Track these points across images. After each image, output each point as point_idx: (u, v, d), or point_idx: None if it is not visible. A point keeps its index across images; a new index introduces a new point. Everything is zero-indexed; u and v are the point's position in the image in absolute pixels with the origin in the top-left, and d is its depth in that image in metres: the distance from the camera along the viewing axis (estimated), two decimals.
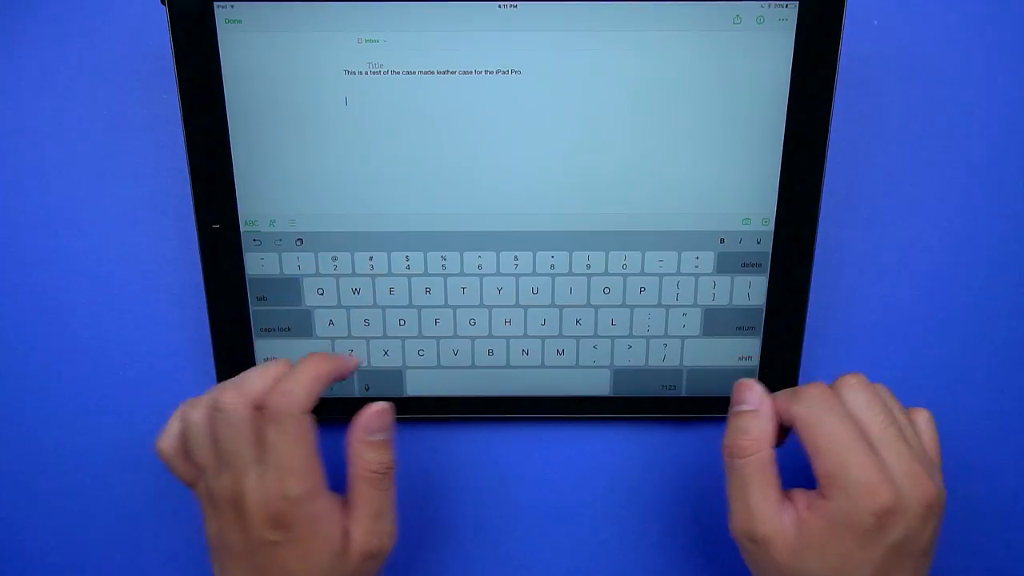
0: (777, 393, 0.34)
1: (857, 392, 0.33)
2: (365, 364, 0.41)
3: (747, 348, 0.41)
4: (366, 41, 0.36)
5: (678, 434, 0.43)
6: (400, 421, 0.43)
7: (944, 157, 0.41)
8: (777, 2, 0.35)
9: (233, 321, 0.40)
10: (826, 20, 0.35)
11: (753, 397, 0.34)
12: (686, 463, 0.43)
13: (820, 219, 0.38)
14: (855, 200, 0.41)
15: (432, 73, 0.36)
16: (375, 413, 0.35)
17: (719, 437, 0.42)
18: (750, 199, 0.38)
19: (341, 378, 0.36)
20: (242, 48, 0.36)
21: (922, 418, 0.34)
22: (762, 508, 0.32)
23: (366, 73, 0.36)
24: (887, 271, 0.42)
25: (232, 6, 0.35)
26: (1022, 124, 0.41)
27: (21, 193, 0.40)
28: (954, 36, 0.40)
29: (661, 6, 0.35)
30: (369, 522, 0.34)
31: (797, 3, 0.35)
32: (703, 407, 0.42)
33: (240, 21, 0.35)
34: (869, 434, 0.32)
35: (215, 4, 0.35)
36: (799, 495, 0.33)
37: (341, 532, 0.34)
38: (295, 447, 0.32)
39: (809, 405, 0.33)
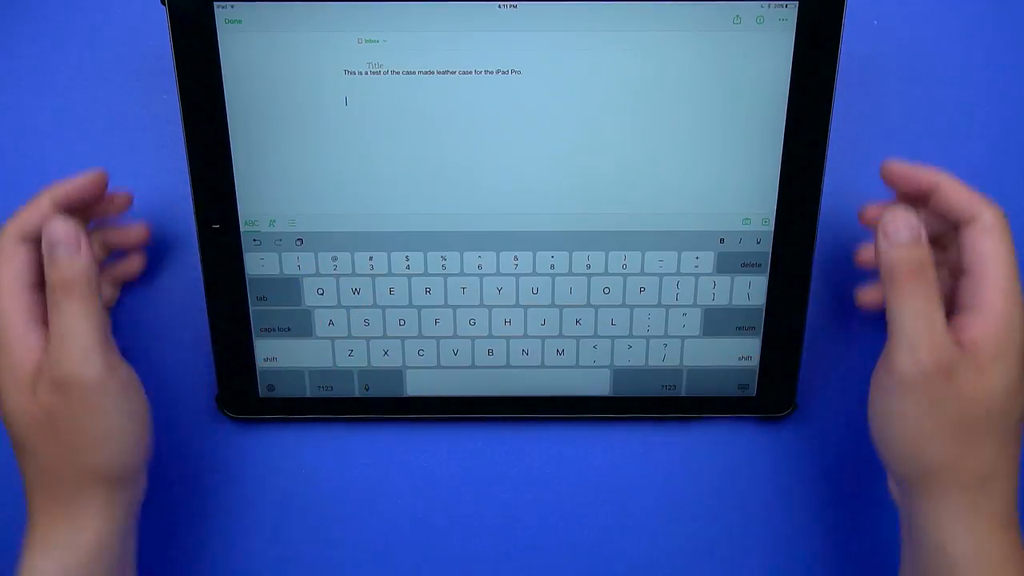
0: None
1: None
2: (365, 364, 0.41)
3: (747, 348, 0.41)
4: (366, 41, 0.36)
5: (678, 434, 0.43)
6: (400, 421, 0.43)
7: (944, 157, 0.41)
8: (777, 2, 0.35)
9: (233, 321, 0.40)
10: (826, 20, 0.35)
11: (916, 224, 0.31)
12: (686, 463, 0.43)
13: (820, 219, 0.38)
14: (855, 200, 0.41)
15: (432, 73, 0.36)
16: (52, 226, 0.32)
17: (719, 437, 0.43)
18: (750, 199, 0.38)
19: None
20: (242, 48, 0.36)
21: None
22: (943, 330, 0.30)
23: (366, 73, 0.36)
24: None
25: (232, 6, 0.35)
26: (1022, 124, 0.41)
27: (22, 193, 0.40)
28: (954, 36, 0.40)
29: (661, 6, 0.35)
30: (55, 345, 0.32)
31: (797, 3, 0.35)
32: (703, 407, 0.42)
33: (240, 21, 0.35)
34: None
35: (215, 4, 0.35)
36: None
37: (33, 362, 0.32)
38: None
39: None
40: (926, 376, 0.30)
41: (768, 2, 0.35)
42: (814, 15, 0.35)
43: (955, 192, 0.32)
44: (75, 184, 0.34)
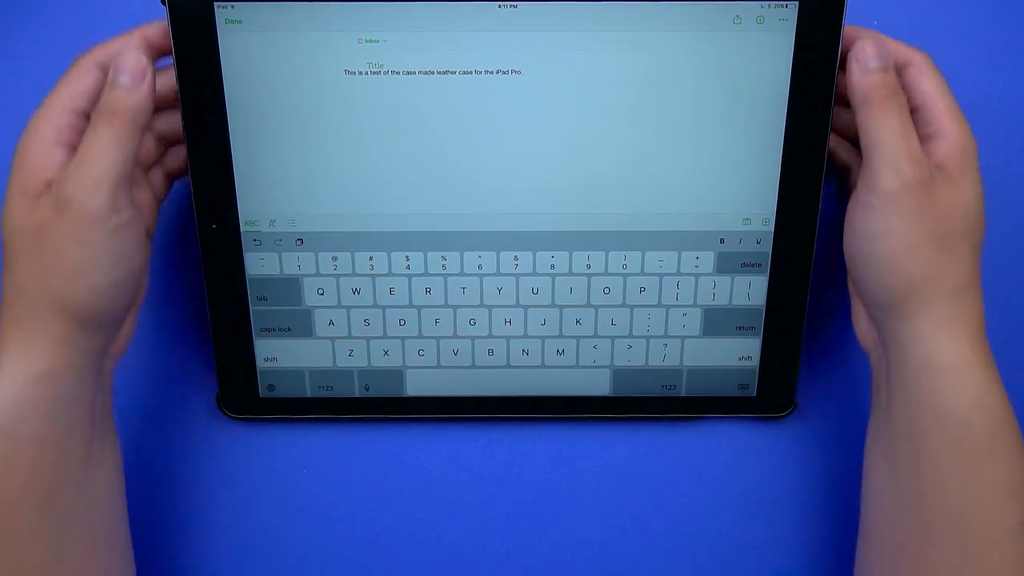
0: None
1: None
2: (365, 364, 0.41)
3: (747, 348, 0.41)
4: (366, 41, 0.36)
5: (678, 434, 0.43)
6: (400, 421, 0.43)
7: None
8: (777, 2, 0.35)
9: (233, 321, 0.40)
10: (826, 20, 0.35)
11: (884, 53, 0.33)
12: (686, 463, 0.43)
13: (820, 219, 0.38)
14: None
15: (432, 73, 0.36)
16: (125, 54, 0.32)
17: (719, 437, 0.43)
18: (750, 199, 0.38)
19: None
20: (242, 48, 0.36)
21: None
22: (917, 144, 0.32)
23: (366, 73, 0.36)
24: None
25: (232, 6, 0.35)
26: (1022, 124, 0.41)
27: None
28: (954, 36, 0.40)
29: (661, 6, 0.35)
30: (73, 165, 0.31)
31: (797, 3, 0.35)
32: (703, 407, 0.42)
33: (240, 21, 0.35)
34: None
35: (215, 4, 0.35)
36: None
37: (46, 175, 0.32)
38: None
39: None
40: (908, 189, 0.32)
41: (768, 2, 0.35)
42: (814, 15, 0.35)
43: (886, 44, 0.34)
44: (164, 33, 0.34)
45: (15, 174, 0.32)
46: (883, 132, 0.32)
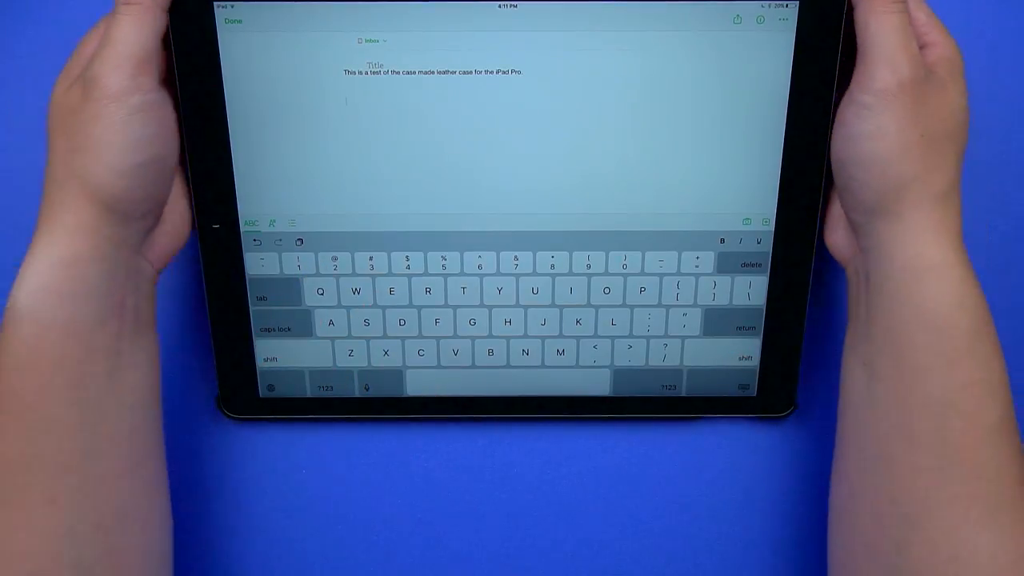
0: None
1: None
2: (365, 364, 0.41)
3: (747, 348, 0.41)
4: (366, 41, 0.36)
5: (678, 434, 0.43)
6: (400, 421, 0.43)
7: None
8: (777, 2, 0.35)
9: (233, 321, 0.40)
10: (827, 20, 0.35)
11: None
12: (686, 463, 0.43)
13: (820, 218, 0.38)
14: None
15: (432, 73, 0.36)
16: None
17: (719, 437, 0.43)
18: (750, 199, 0.38)
19: None
20: (242, 48, 0.35)
21: None
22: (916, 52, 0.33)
23: (366, 73, 0.36)
24: None
25: (232, 6, 0.35)
26: (1022, 124, 0.41)
27: (22, 193, 0.40)
28: (953, 36, 0.40)
29: (661, 6, 0.35)
30: (99, 48, 0.32)
31: (797, 3, 0.35)
32: (703, 407, 0.42)
33: (240, 21, 0.35)
34: None
35: (215, 4, 0.35)
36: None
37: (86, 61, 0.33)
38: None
39: None
40: (903, 88, 0.32)
41: (768, 2, 0.35)
42: (815, 15, 0.35)
43: None
44: None
45: (67, 64, 0.34)
46: (885, 30, 0.32)
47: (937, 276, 0.33)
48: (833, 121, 0.35)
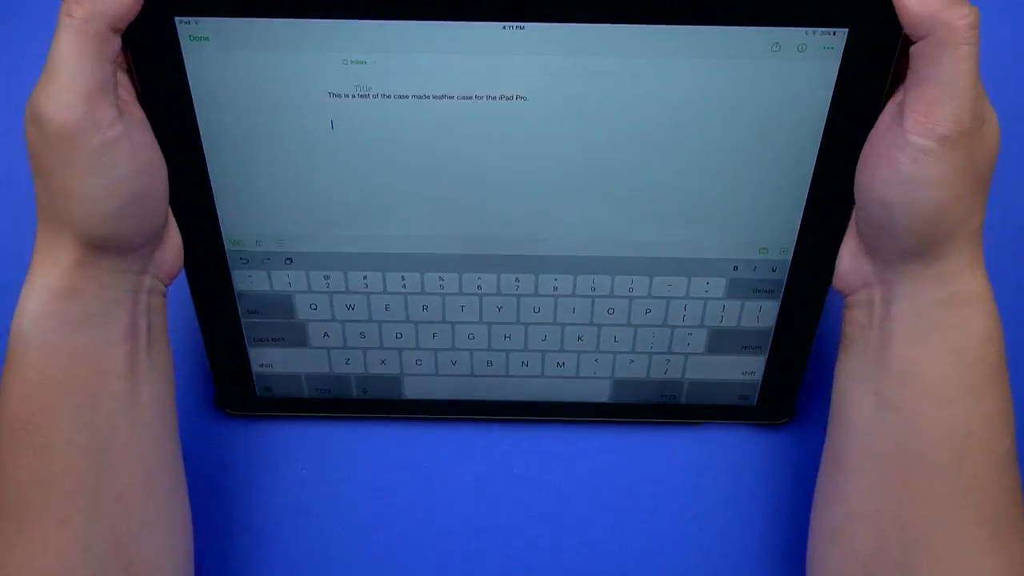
0: None
1: None
2: (362, 371, 0.40)
3: (751, 365, 0.40)
4: (352, 62, 0.31)
5: (677, 437, 0.43)
6: (397, 420, 0.43)
7: None
8: (824, 28, 0.30)
9: (225, 331, 0.39)
10: (878, 51, 0.31)
11: None
12: (683, 467, 0.43)
13: None
14: None
15: (428, 98, 0.32)
16: None
17: (717, 443, 0.43)
18: (770, 230, 0.36)
19: None
20: (212, 67, 0.31)
21: None
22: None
23: (353, 96, 0.32)
24: None
25: (196, 22, 0.30)
26: (1022, 124, 0.39)
27: (21, 194, 0.38)
28: None
29: (686, 30, 0.30)
30: (42, 77, 0.28)
31: (847, 30, 0.30)
32: (702, 413, 0.42)
33: (207, 38, 0.31)
34: None
35: (177, 20, 0.30)
36: None
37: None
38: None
39: None
40: (966, 134, 0.30)
41: (814, 28, 0.31)
42: (865, 44, 0.31)
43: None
44: None
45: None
46: (959, 67, 0.28)
47: (971, 310, 0.32)
48: (866, 154, 0.32)
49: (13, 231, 0.39)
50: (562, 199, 0.35)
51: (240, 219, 0.35)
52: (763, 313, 0.38)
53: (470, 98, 0.32)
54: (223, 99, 0.32)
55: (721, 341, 0.39)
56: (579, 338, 0.39)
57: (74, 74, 0.27)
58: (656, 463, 0.43)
